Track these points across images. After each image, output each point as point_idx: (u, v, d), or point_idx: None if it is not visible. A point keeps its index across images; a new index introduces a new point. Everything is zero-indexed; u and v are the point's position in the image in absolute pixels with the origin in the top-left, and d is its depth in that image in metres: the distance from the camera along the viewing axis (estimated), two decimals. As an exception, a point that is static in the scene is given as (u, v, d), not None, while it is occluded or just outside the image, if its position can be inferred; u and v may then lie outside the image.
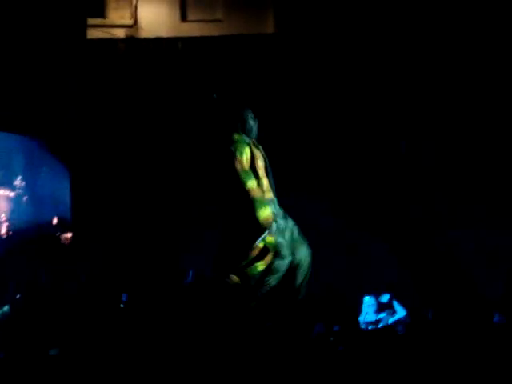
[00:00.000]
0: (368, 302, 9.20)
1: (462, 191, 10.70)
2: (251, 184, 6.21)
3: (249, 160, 6.30)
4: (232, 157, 6.22)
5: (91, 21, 11.83)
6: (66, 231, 10.81)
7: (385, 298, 9.19)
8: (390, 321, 8.82)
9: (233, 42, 11.93)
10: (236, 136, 6.38)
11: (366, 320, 9.05)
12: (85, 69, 11.31)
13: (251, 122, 6.54)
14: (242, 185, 6.18)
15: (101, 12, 12.28)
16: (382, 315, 9.03)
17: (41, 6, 10.84)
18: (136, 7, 12.23)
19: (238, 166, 6.19)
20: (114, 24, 12.27)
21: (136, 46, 12.02)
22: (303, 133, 11.02)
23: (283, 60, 11.63)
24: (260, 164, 6.37)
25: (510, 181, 10.71)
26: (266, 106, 11.36)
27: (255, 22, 12.21)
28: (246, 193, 6.17)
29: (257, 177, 6.29)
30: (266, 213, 6.18)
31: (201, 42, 11.98)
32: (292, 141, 10.90)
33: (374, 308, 9.15)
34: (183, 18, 12.42)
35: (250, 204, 6.16)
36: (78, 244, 10.79)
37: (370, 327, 8.78)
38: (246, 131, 6.50)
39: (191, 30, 12.25)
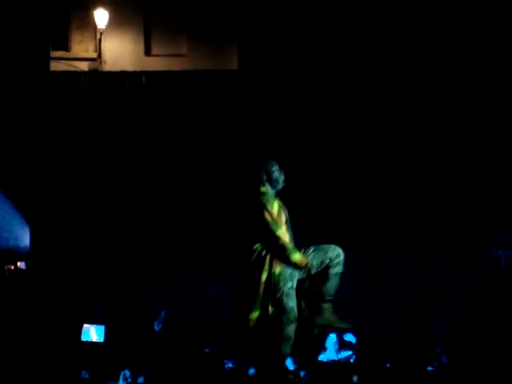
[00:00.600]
0: (331, 339, 9.12)
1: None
2: (281, 232, 6.37)
3: (276, 212, 6.45)
4: (262, 208, 6.37)
5: (55, 53, 11.83)
6: (11, 262, 10.60)
7: (348, 336, 9.13)
8: (352, 359, 8.75)
9: (196, 76, 11.98)
10: (263, 189, 6.51)
11: (328, 358, 8.98)
12: (48, 101, 11.26)
13: (276, 174, 6.67)
14: (272, 233, 6.33)
15: (65, 45, 12.28)
16: (344, 354, 8.97)
17: (5, 38, 10.81)
18: (100, 41, 12.25)
19: (268, 217, 6.35)
20: (77, 57, 12.27)
21: (100, 79, 12.01)
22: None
23: (246, 95, 11.70)
24: (283, 217, 6.52)
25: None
26: (226, 141, 11.46)
27: (219, 58, 12.28)
28: (277, 240, 6.33)
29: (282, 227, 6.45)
30: (298, 257, 6.34)
31: (165, 76, 12.01)
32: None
33: (336, 346, 9.08)
34: (147, 52, 12.46)
35: (282, 250, 6.33)
36: (35, 274, 10.63)
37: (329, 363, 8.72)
38: (271, 183, 6.62)
39: (155, 64, 12.29)
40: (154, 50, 12.45)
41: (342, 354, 9.06)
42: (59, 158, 11.30)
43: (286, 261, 6.39)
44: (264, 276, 6.35)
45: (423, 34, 11.33)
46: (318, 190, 11.13)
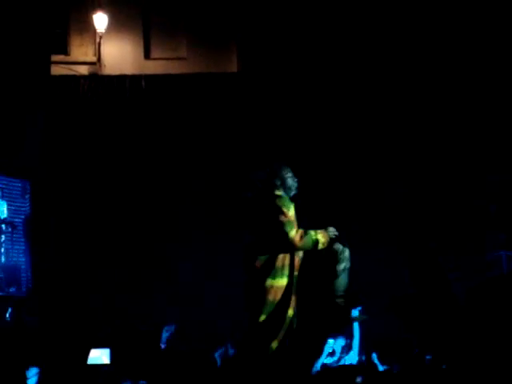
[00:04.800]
0: (329, 344, 9.04)
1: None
2: (295, 233, 6.45)
3: (294, 215, 6.55)
4: (278, 210, 6.45)
5: (54, 57, 11.83)
6: None
7: (341, 340, 9.07)
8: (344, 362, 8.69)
9: (196, 80, 11.99)
10: (278, 192, 6.63)
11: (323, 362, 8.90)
12: (48, 105, 11.26)
13: (290, 181, 6.76)
14: (286, 234, 6.41)
15: (64, 49, 12.29)
16: (336, 358, 8.91)
17: (5, 43, 10.80)
18: (99, 44, 12.26)
19: (284, 218, 6.42)
20: (77, 61, 12.29)
21: (99, 82, 12.02)
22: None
23: (246, 98, 11.71)
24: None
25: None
26: (227, 143, 11.46)
27: (219, 61, 12.31)
28: (292, 241, 6.41)
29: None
30: (320, 236, 6.53)
31: (164, 79, 12.03)
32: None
33: (330, 350, 9.01)
34: (147, 55, 12.48)
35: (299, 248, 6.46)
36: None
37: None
38: (285, 189, 6.70)
39: (155, 67, 12.31)
40: (154, 54, 12.47)
41: (335, 357, 9.00)
42: (60, 163, 11.28)
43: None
44: (284, 281, 6.39)
45: (424, 36, 11.34)
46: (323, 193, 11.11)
